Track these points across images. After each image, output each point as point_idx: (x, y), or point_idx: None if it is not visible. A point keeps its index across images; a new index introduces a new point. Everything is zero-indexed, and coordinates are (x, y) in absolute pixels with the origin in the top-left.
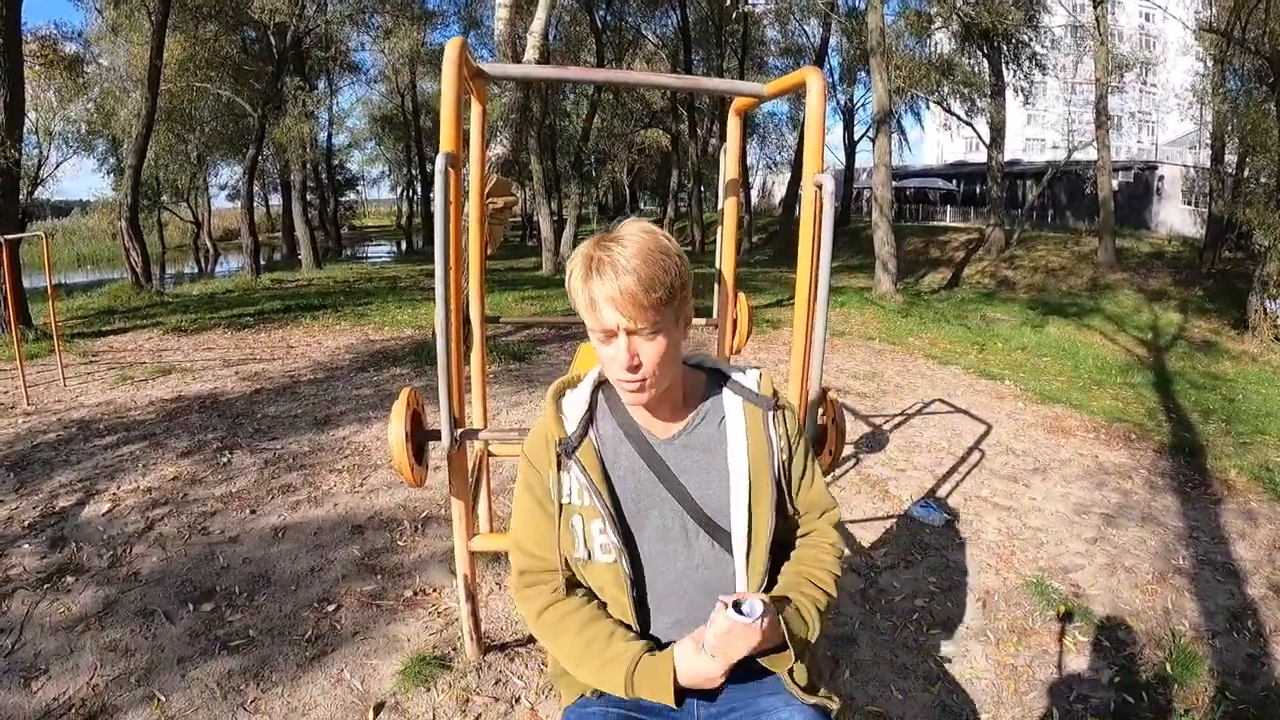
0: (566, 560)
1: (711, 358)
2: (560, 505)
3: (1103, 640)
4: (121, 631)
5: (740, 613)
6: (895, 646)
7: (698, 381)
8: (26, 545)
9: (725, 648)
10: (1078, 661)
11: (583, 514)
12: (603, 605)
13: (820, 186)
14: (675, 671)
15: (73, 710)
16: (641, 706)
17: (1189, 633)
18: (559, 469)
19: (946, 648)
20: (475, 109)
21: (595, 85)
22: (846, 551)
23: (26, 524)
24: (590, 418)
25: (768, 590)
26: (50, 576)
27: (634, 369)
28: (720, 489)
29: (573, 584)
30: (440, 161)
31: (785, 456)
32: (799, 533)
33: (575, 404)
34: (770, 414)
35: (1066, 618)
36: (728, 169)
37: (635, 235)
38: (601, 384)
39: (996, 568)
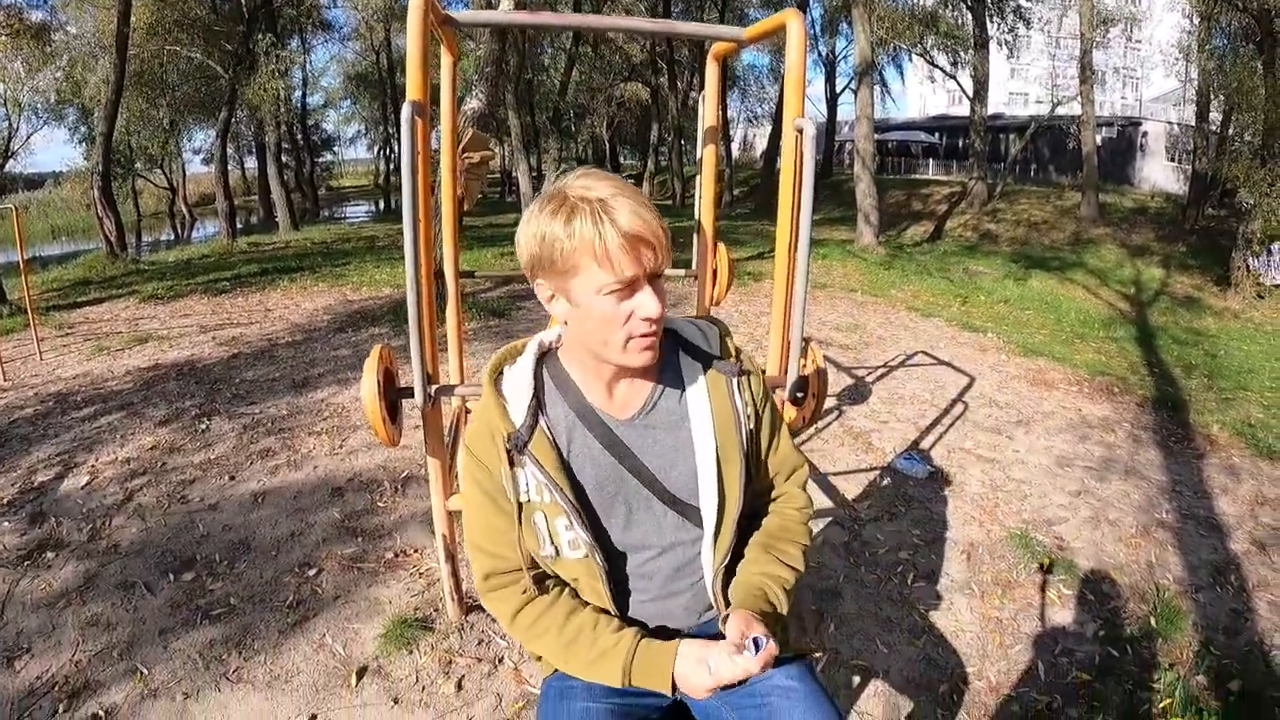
0: (533, 557)
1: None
2: (519, 504)
3: (1087, 594)
4: (102, 605)
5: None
6: (880, 599)
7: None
8: (6, 523)
9: (731, 677)
10: (1062, 615)
11: (545, 511)
12: (576, 594)
13: (801, 131)
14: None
15: (56, 688)
16: None
17: (1173, 587)
18: (511, 465)
19: (931, 601)
20: (445, 59)
21: (570, 32)
22: (814, 508)
23: (5, 501)
24: (538, 401)
25: (733, 561)
26: (30, 553)
27: (659, 318)
28: (687, 468)
29: (541, 577)
30: (407, 110)
31: (753, 425)
32: (770, 495)
33: (517, 385)
34: (734, 380)
35: (1050, 571)
36: (706, 116)
37: (603, 175)
38: (544, 357)
39: (980, 520)
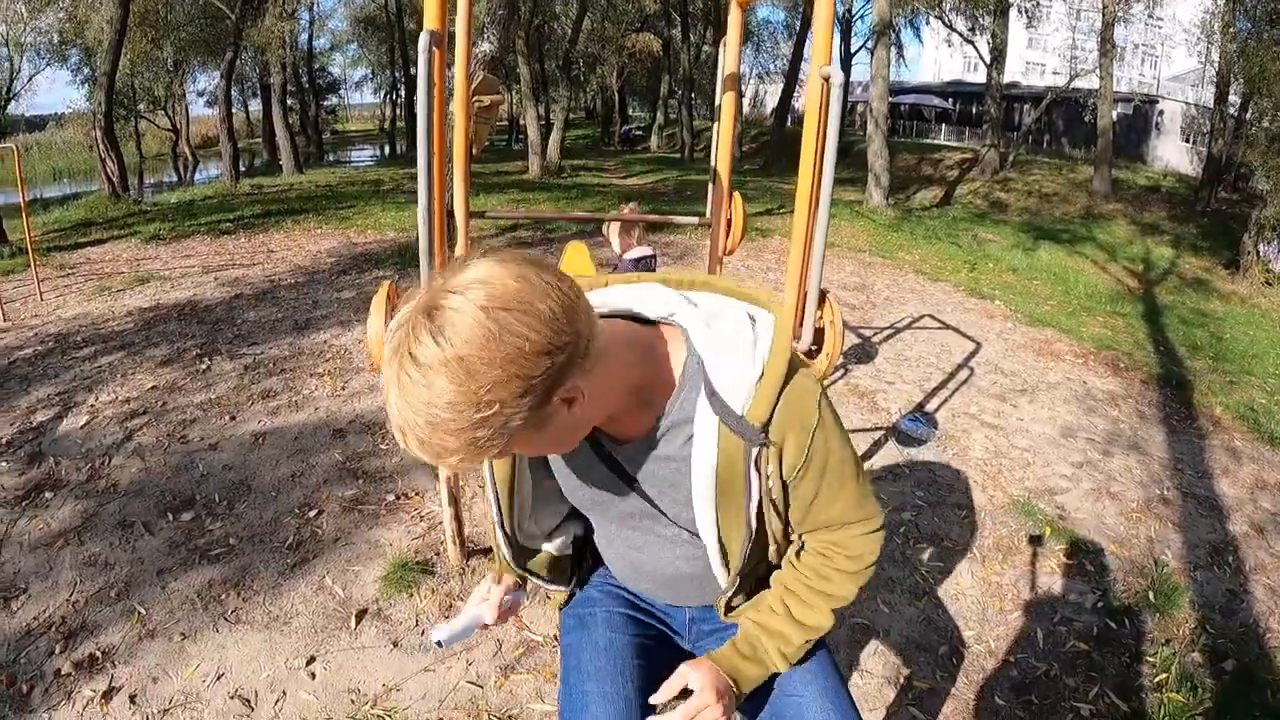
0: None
1: (696, 321)
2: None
3: (1086, 564)
4: (100, 545)
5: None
6: (881, 559)
7: (666, 370)
8: (4, 462)
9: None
10: (1062, 583)
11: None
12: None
13: (827, 79)
14: None
15: (53, 629)
16: (638, 605)
17: (1172, 564)
18: None
19: (933, 563)
20: None
21: None
22: (869, 564)
23: (4, 441)
24: None
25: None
26: (28, 493)
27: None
28: (685, 510)
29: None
30: (424, 39)
31: (776, 495)
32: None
33: None
34: (755, 450)
35: (1051, 540)
36: (726, 63)
37: (438, 355)
38: None
39: (983, 485)
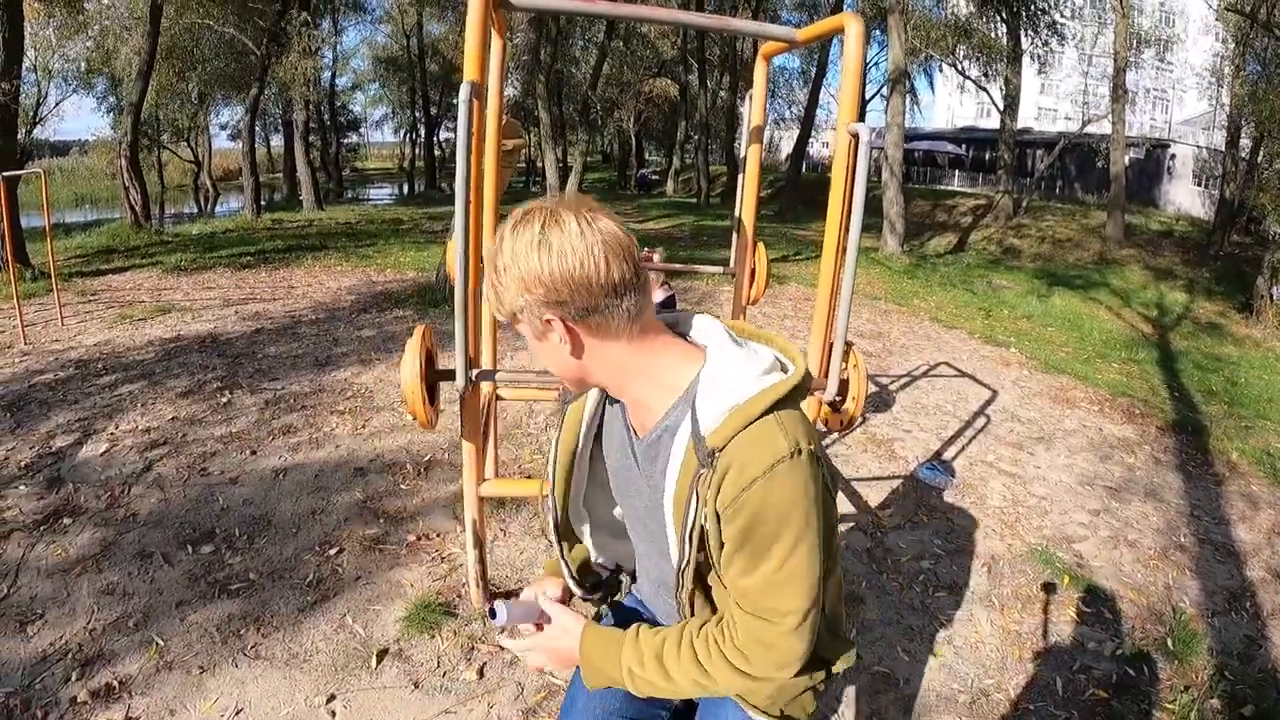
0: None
1: (720, 335)
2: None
3: (1104, 612)
4: (119, 574)
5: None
6: (902, 608)
7: (680, 376)
8: (23, 487)
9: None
10: (1081, 631)
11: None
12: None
13: (855, 136)
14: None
15: (69, 656)
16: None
17: (1189, 610)
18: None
19: (952, 611)
20: (495, 43)
21: (618, 21)
22: (757, 675)
23: (23, 465)
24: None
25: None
26: (47, 518)
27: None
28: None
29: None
30: (464, 91)
31: (710, 526)
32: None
33: None
34: (702, 471)
35: (1069, 588)
36: (753, 115)
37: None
38: None
39: (1001, 533)
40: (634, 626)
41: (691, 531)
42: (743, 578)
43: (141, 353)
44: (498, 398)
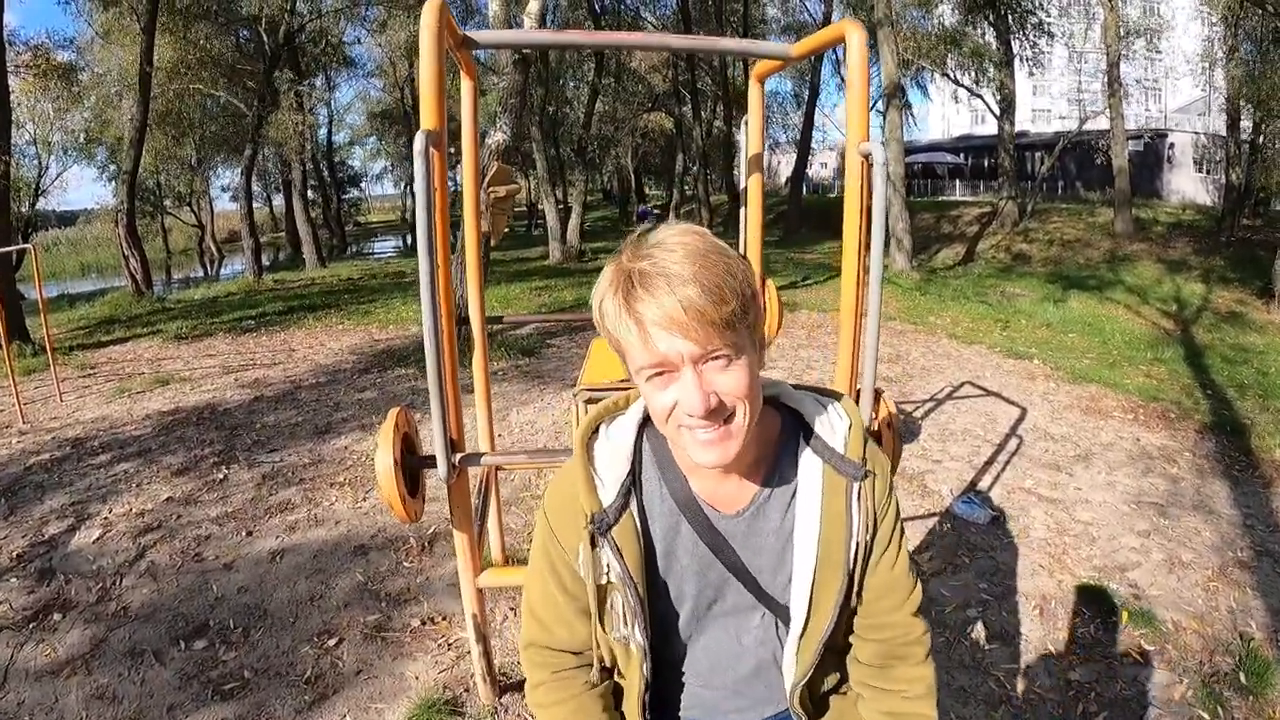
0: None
1: (786, 387)
2: (599, 586)
3: (1168, 648)
4: (109, 676)
5: None
6: (952, 666)
7: (771, 430)
8: (14, 580)
9: None
10: (1146, 674)
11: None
12: (619, 697)
13: (867, 157)
14: None
15: None
16: None
17: (1257, 635)
18: (594, 546)
19: (1006, 665)
20: (465, 86)
21: (596, 51)
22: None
23: (15, 555)
24: (634, 480)
25: (814, 678)
26: (36, 615)
27: (713, 411)
28: (787, 574)
29: (607, 669)
30: (419, 141)
31: (868, 536)
32: (867, 622)
33: (613, 457)
34: (856, 485)
35: (1130, 624)
36: (750, 143)
37: (679, 237)
38: (646, 425)
39: (1050, 569)
40: None
41: (856, 553)
42: (895, 565)
43: (138, 427)
44: (498, 468)
